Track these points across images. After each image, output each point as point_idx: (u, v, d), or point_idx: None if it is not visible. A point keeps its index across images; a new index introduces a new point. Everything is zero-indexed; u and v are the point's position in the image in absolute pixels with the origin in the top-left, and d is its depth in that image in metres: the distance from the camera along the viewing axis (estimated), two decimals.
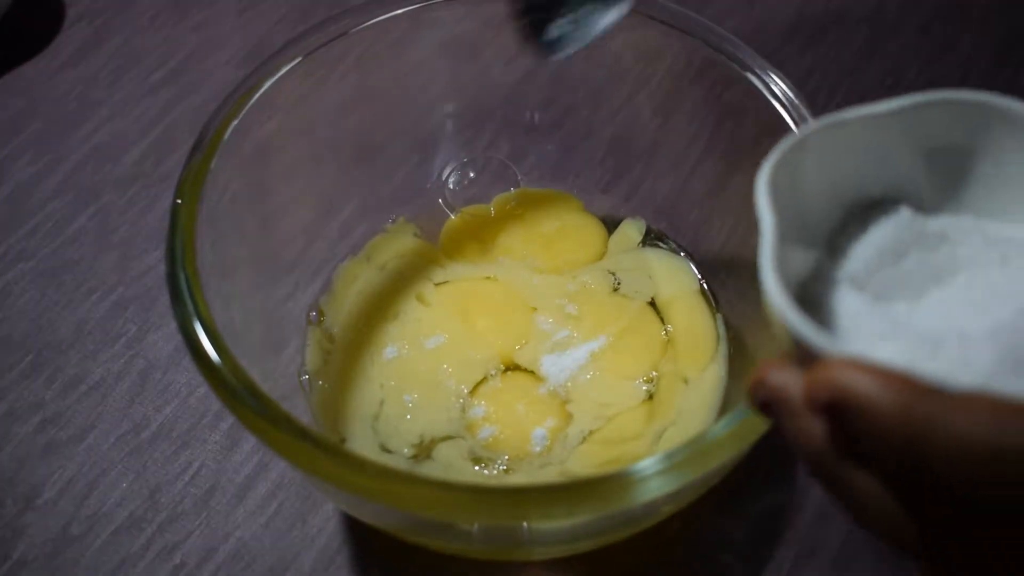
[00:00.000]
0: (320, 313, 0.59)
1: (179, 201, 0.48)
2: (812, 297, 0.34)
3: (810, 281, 0.34)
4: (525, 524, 0.43)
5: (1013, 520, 0.26)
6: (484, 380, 0.56)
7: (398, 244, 0.62)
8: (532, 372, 0.56)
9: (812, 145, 0.34)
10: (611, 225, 0.63)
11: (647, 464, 0.39)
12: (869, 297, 0.33)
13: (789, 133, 0.50)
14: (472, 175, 0.65)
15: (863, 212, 0.36)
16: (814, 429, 0.29)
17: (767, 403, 0.31)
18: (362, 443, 0.54)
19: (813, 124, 0.34)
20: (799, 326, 0.30)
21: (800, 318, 0.30)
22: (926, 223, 0.35)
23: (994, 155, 0.34)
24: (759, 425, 0.41)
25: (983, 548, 0.27)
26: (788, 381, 0.30)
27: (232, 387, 0.42)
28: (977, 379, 0.28)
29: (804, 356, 0.30)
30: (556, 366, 0.56)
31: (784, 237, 0.33)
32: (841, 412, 0.28)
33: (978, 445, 0.26)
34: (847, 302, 0.33)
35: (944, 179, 0.36)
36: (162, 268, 0.64)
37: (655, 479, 0.39)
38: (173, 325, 0.61)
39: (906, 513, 0.28)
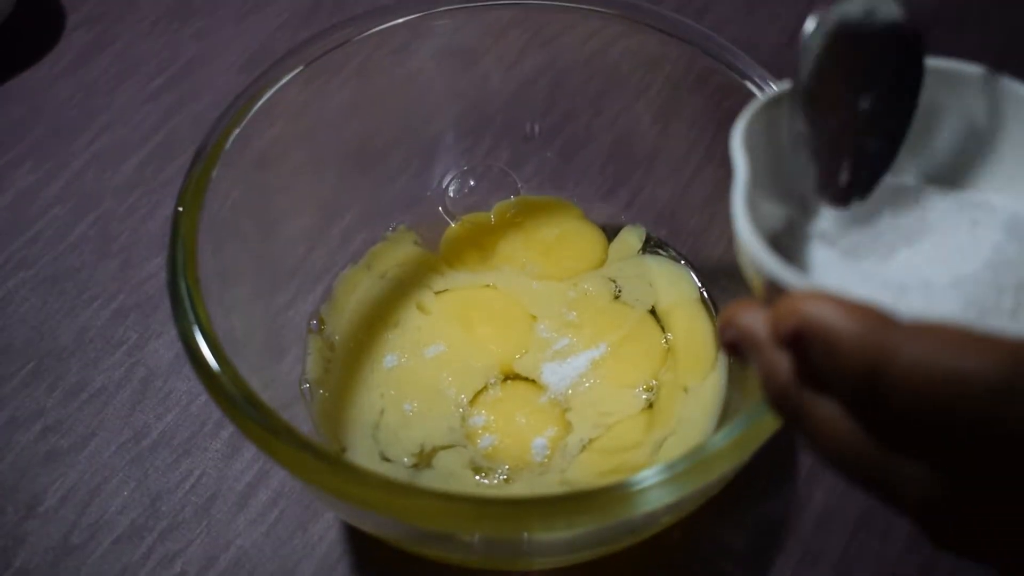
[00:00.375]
0: (321, 321, 0.59)
1: (180, 209, 0.48)
2: (784, 250, 0.34)
3: (782, 236, 0.35)
4: (526, 535, 0.43)
5: (976, 448, 0.26)
6: (484, 389, 0.56)
7: (398, 252, 0.62)
8: (532, 381, 0.57)
9: (785, 102, 0.35)
10: (611, 232, 0.63)
11: (647, 475, 0.39)
12: (838, 251, 0.34)
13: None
14: (472, 183, 0.65)
15: None
16: (780, 363, 0.30)
17: (735, 343, 0.32)
18: (362, 452, 0.54)
19: (790, 82, 0.35)
20: (768, 262, 0.30)
21: (769, 254, 0.31)
22: (898, 185, 0.36)
23: (966, 120, 0.35)
24: (760, 435, 0.41)
25: (946, 480, 0.27)
26: (755, 319, 0.31)
27: (232, 396, 0.42)
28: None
29: (773, 297, 0.31)
30: (556, 374, 0.56)
31: (758, 188, 0.34)
32: (805, 342, 0.28)
33: (940, 371, 0.26)
34: (816, 254, 0.34)
35: (918, 144, 0.36)
36: (163, 275, 0.64)
37: (655, 490, 0.39)
38: (174, 333, 0.61)
39: (870, 446, 0.28)
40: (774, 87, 0.52)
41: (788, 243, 0.35)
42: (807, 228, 0.35)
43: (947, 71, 0.34)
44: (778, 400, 0.30)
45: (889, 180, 0.36)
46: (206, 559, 0.54)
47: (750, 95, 0.53)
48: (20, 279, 0.65)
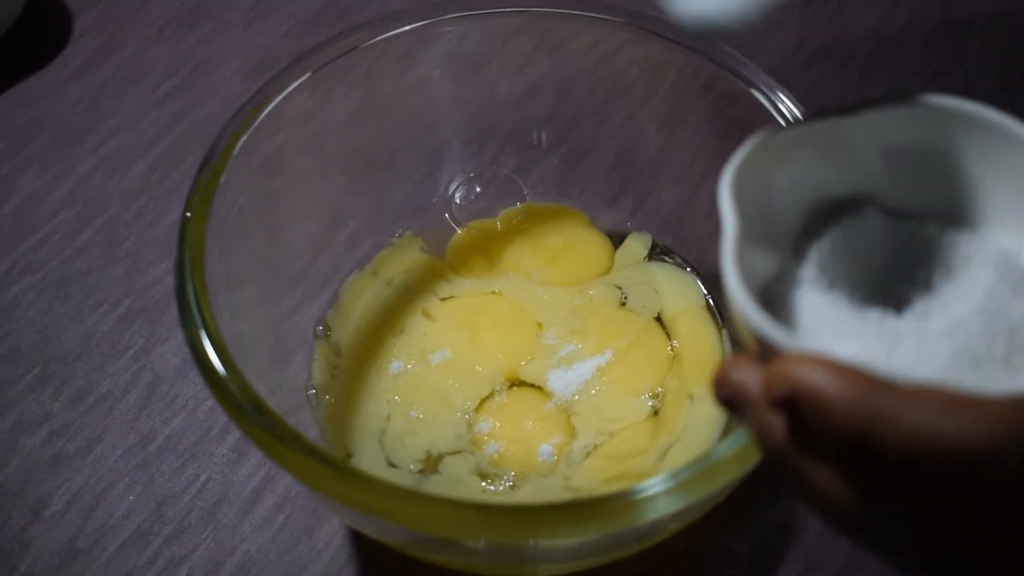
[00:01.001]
0: (327, 327, 0.59)
1: (188, 214, 0.48)
2: (776, 297, 0.35)
3: (775, 282, 0.35)
4: (531, 542, 0.43)
5: (967, 507, 0.27)
6: (490, 395, 0.56)
7: (405, 258, 0.62)
8: (538, 387, 0.57)
9: (775, 147, 0.35)
10: (617, 239, 0.64)
11: (653, 483, 0.40)
12: (831, 295, 0.34)
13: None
14: (478, 189, 0.65)
15: (828, 214, 0.36)
16: (774, 423, 0.30)
17: (729, 399, 0.32)
18: (369, 458, 0.54)
19: (776, 127, 0.35)
20: (758, 322, 0.31)
21: (760, 314, 0.31)
22: (890, 224, 0.36)
23: (956, 158, 0.35)
24: None
25: (940, 535, 0.28)
26: (749, 377, 0.31)
27: (238, 401, 0.43)
28: (933, 374, 0.28)
29: (766, 353, 0.31)
30: (562, 381, 0.56)
31: (748, 238, 0.33)
32: (797, 406, 0.29)
33: (930, 436, 0.26)
34: (809, 300, 0.34)
35: (909, 181, 0.36)
36: (169, 280, 0.64)
37: (661, 498, 0.39)
38: (180, 337, 0.61)
39: (864, 505, 0.29)
40: (786, 98, 0.52)
41: (779, 289, 0.35)
42: (798, 273, 0.35)
43: (936, 107, 0.34)
44: (773, 458, 0.31)
45: (882, 219, 0.36)
46: (212, 564, 0.54)
47: (755, 102, 0.53)
48: (26, 283, 0.65)
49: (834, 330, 0.32)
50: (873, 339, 0.31)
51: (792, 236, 0.36)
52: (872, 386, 0.28)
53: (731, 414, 0.33)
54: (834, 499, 0.29)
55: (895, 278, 0.34)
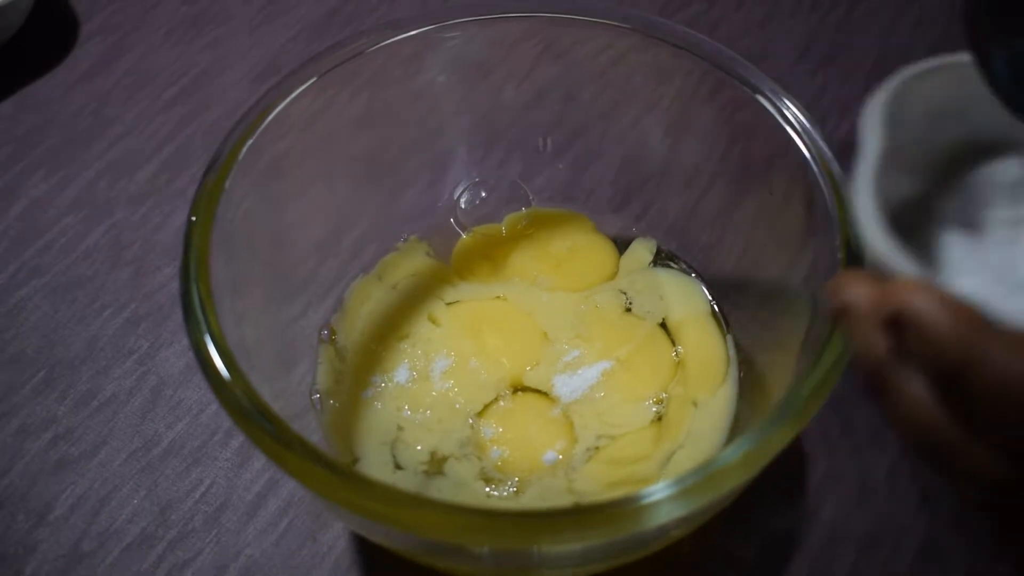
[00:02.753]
0: (332, 332, 0.59)
1: (194, 219, 0.48)
2: (905, 224, 0.35)
3: (907, 210, 0.35)
4: (535, 548, 0.43)
5: None
6: (495, 400, 0.56)
7: (410, 263, 0.62)
8: (544, 393, 0.57)
9: (930, 79, 0.35)
10: (622, 245, 0.63)
11: (657, 489, 0.39)
12: (961, 233, 0.34)
13: (800, 156, 0.50)
14: (483, 194, 0.65)
15: (974, 154, 0.36)
16: (877, 340, 0.31)
17: (840, 309, 0.33)
18: (374, 462, 0.54)
19: (933, 60, 0.35)
20: (881, 244, 0.31)
21: (884, 237, 0.31)
22: None
23: None
24: (770, 450, 0.41)
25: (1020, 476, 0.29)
26: (862, 292, 0.32)
27: (243, 406, 0.42)
28: None
29: (885, 276, 0.32)
30: (567, 386, 0.56)
31: (887, 162, 0.33)
32: (902, 328, 0.30)
33: (1019, 379, 0.27)
34: (938, 234, 0.34)
35: None
36: (174, 285, 0.64)
37: (666, 504, 0.39)
38: (185, 342, 0.61)
39: (950, 427, 0.30)
40: (793, 105, 0.52)
41: (910, 217, 0.35)
42: (933, 206, 0.35)
43: None
44: (870, 372, 0.32)
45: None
46: (216, 568, 0.54)
47: (762, 108, 0.53)
48: (32, 287, 0.65)
49: (957, 266, 0.33)
50: (993, 282, 0.32)
51: (933, 170, 0.36)
52: (977, 324, 0.29)
53: (837, 323, 0.34)
54: (922, 418, 0.30)
55: None
